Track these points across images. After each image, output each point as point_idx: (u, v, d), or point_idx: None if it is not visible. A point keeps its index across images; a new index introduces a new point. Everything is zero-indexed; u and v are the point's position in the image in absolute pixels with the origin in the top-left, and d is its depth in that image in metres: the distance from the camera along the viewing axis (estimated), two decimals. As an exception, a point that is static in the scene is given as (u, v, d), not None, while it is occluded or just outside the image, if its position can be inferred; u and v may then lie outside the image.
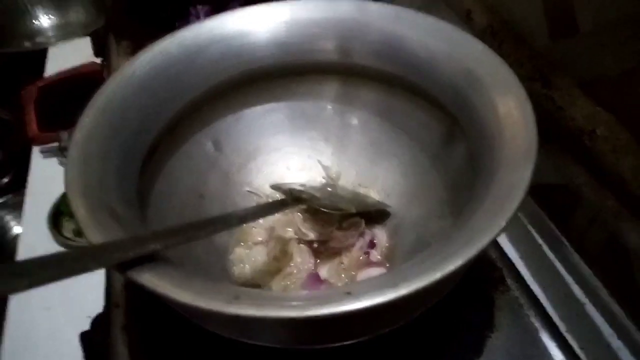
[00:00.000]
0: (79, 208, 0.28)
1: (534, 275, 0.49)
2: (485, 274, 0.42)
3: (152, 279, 0.25)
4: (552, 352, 0.37)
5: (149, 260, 0.26)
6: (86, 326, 0.49)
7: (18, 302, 0.65)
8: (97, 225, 0.27)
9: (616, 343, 0.43)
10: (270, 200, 0.44)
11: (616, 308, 0.45)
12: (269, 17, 0.40)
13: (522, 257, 0.52)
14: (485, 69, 0.33)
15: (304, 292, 0.31)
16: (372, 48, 0.38)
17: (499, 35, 0.51)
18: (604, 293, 0.46)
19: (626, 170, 0.38)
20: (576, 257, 0.49)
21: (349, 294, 0.23)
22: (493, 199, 0.26)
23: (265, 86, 0.42)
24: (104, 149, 0.33)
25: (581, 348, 0.42)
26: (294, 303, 0.23)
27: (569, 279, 0.49)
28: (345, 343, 0.29)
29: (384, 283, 0.24)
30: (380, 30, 0.38)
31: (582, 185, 0.46)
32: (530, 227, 0.53)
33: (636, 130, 0.38)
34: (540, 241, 0.53)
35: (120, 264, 0.25)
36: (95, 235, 0.26)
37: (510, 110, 0.30)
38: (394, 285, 0.23)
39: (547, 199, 0.52)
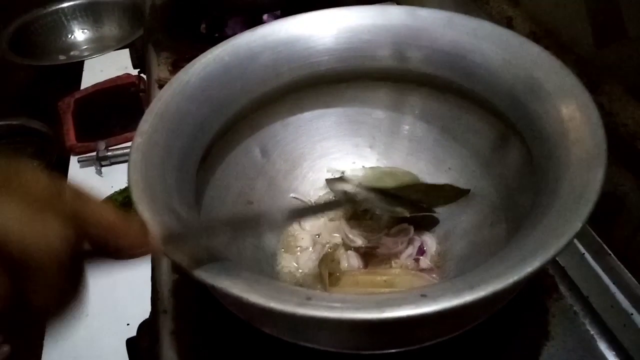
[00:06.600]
0: (145, 211, 0.28)
1: (578, 285, 0.48)
2: (538, 281, 0.41)
3: (223, 281, 0.25)
4: (610, 361, 0.36)
5: (216, 261, 0.26)
6: (126, 333, 0.49)
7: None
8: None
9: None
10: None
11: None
12: (320, 24, 0.40)
13: (565, 267, 0.50)
14: (544, 73, 0.33)
15: (376, 295, 0.30)
16: (426, 54, 0.38)
17: (542, 42, 0.50)
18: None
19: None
20: (621, 266, 0.48)
21: (424, 297, 0.23)
22: (564, 202, 0.26)
23: (315, 92, 0.42)
24: (163, 153, 0.33)
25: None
26: (368, 305, 0.23)
27: (613, 288, 0.48)
28: (407, 349, 0.29)
29: (459, 285, 0.23)
30: (434, 36, 0.38)
31: (629, 193, 0.45)
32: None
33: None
34: (582, 250, 0.51)
35: (189, 265, 0.25)
36: (163, 238, 0.27)
37: (574, 113, 0.30)
38: (470, 287, 0.23)
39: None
